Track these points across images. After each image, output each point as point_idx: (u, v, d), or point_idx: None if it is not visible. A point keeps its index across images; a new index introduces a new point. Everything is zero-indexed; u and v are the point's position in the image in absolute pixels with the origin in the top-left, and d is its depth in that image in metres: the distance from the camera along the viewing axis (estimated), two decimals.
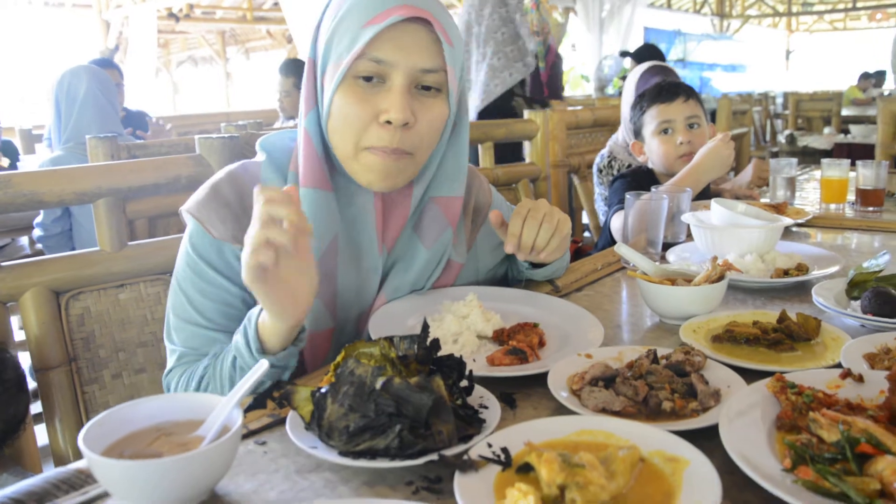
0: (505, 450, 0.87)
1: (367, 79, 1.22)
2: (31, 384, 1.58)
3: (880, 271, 1.47)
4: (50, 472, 0.94)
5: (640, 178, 2.51)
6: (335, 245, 1.32)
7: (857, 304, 1.42)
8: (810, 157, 7.30)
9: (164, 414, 0.94)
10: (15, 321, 1.65)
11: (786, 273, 1.63)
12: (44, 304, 1.62)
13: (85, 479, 0.93)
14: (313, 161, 1.28)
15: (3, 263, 1.60)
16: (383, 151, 1.24)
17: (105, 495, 0.89)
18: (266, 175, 1.33)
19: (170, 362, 1.32)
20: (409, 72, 1.22)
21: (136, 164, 1.80)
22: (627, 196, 1.82)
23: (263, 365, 0.92)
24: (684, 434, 0.89)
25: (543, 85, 6.08)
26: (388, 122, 1.22)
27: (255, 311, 1.17)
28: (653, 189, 1.98)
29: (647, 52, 6.08)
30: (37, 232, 3.39)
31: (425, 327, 1.02)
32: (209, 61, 18.78)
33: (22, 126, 5.55)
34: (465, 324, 1.29)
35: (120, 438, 0.89)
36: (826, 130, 8.73)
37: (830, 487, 0.77)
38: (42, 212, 3.34)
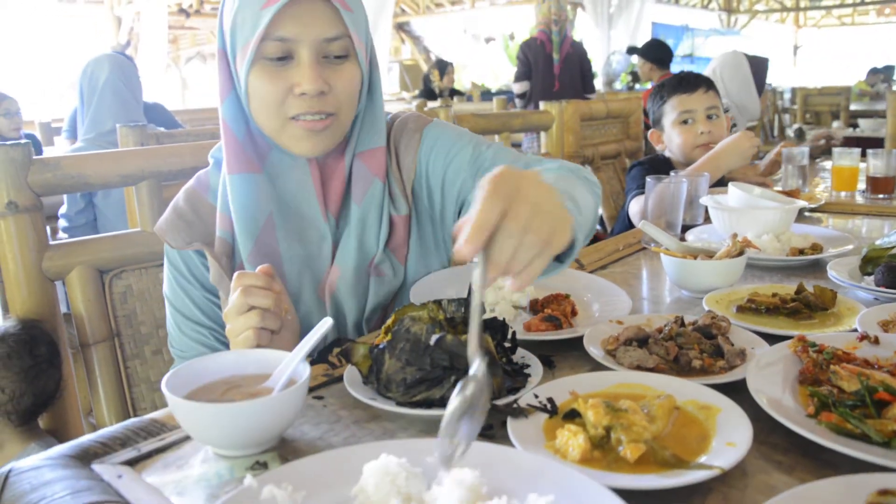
0: (550, 399, 0.95)
1: (277, 59, 1.26)
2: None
3: (893, 247, 1.54)
4: (128, 421, 1.02)
5: (658, 166, 2.59)
6: (271, 221, 1.37)
7: (870, 278, 1.49)
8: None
9: (234, 368, 1.02)
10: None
11: (801, 252, 1.70)
12: (89, 282, 1.69)
13: (160, 427, 1.01)
14: (234, 146, 1.33)
15: (52, 242, 1.67)
16: (309, 122, 1.29)
17: (179, 441, 0.97)
18: (214, 179, 1.41)
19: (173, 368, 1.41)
20: (313, 44, 1.26)
21: (175, 149, 1.88)
22: (648, 180, 1.89)
23: (328, 322, 1.00)
24: (715, 388, 0.96)
25: (555, 78, 6.08)
26: (304, 94, 1.26)
27: None
28: (672, 174, 2.06)
29: (655, 49, 6.11)
30: (62, 223, 3.46)
31: (471, 291, 1.09)
32: None
33: (41, 119, 5.62)
34: (501, 294, 1.36)
35: (195, 388, 0.98)
36: (835, 125, 8.77)
37: (852, 429, 0.85)
38: (66, 203, 3.40)
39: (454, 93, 9.07)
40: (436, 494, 0.71)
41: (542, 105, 3.40)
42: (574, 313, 1.35)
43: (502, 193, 0.83)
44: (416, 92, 10.57)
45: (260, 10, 1.23)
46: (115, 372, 1.74)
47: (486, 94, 9.91)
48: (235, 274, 1.16)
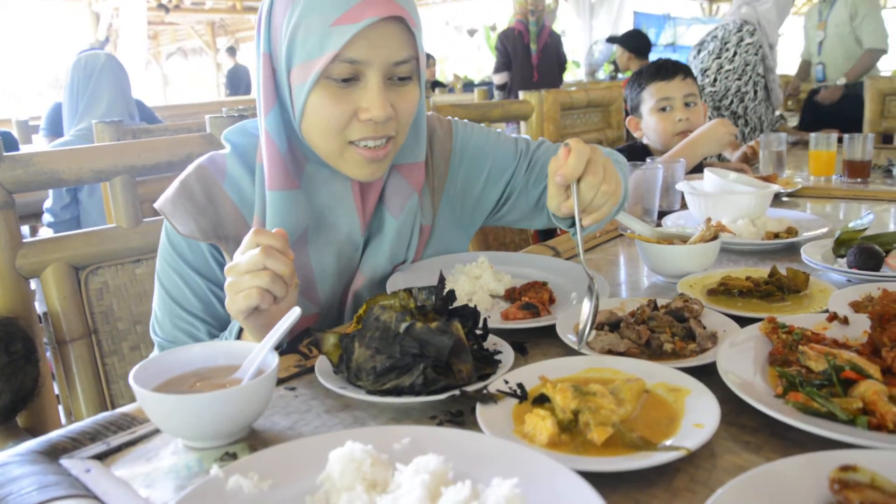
0: (520, 385, 0.95)
1: (343, 80, 1.20)
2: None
3: (865, 230, 1.55)
4: (98, 416, 1.01)
5: (636, 153, 2.59)
6: (304, 237, 1.33)
7: (843, 261, 1.50)
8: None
9: (202, 360, 1.01)
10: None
11: (776, 236, 1.71)
12: (64, 279, 1.68)
13: (130, 420, 1.00)
14: (277, 162, 1.27)
15: (25, 240, 1.66)
16: (372, 149, 1.24)
17: (150, 435, 0.96)
18: (232, 167, 1.33)
19: (152, 355, 1.37)
20: (382, 66, 1.20)
21: (150, 143, 1.86)
22: None
23: (296, 311, 0.99)
24: (685, 371, 0.97)
25: (534, 69, 6.07)
26: (370, 119, 1.21)
27: (234, 330, 1.25)
28: (648, 160, 2.06)
29: (633, 38, 6.10)
30: (46, 217, 3.43)
31: (442, 279, 1.09)
32: (199, 53, 18.76)
33: (18, 118, 5.57)
34: (478, 284, 1.36)
35: (163, 382, 0.97)
36: None
37: (818, 408, 0.85)
38: (51, 197, 3.38)
39: (436, 84, 9.05)
40: (399, 480, 0.71)
41: (521, 95, 3.40)
42: (552, 301, 1.35)
43: (583, 154, 1.15)
44: None
45: (330, 26, 1.16)
46: (93, 369, 1.72)
47: (469, 86, 9.90)
48: (253, 230, 1.08)
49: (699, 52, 4.05)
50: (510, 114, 3.29)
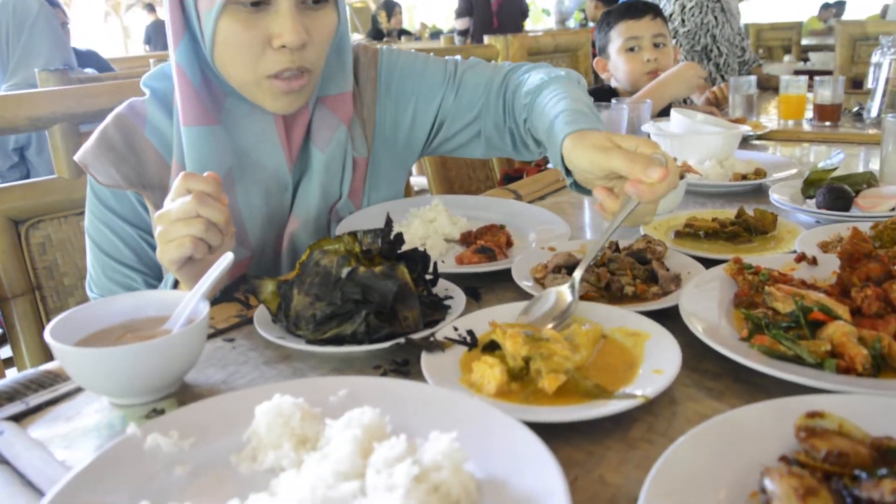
0: (470, 332, 0.88)
1: (252, 4, 1.12)
2: None
3: (834, 170, 1.50)
4: (18, 374, 0.94)
5: (603, 96, 2.51)
6: (230, 177, 1.25)
7: (812, 201, 1.45)
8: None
9: (130, 312, 0.94)
10: None
11: (744, 177, 1.65)
12: (3, 233, 1.58)
13: (53, 378, 0.93)
14: (191, 97, 1.19)
15: None
16: (287, 79, 1.17)
17: (73, 393, 0.89)
18: (152, 113, 1.26)
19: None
20: None
21: (90, 89, 1.75)
22: None
23: (228, 257, 0.92)
24: (646, 315, 0.91)
25: (493, 15, 5.95)
26: (283, 47, 1.14)
27: (169, 280, 1.17)
28: (613, 101, 1.99)
29: None
30: None
31: (388, 221, 1.02)
32: (160, 4, 18.21)
33: None
34: (432, 227, 1.29)
35: (87, 335, 0.89)
36: (786, 59, 8.76)
37: (785, 351, 0.80)
38: None
39: (402, 33, 8.88)
40: (330, 436, 0.65)
41: (486, 39, 3.29)
42: (510, 244, 1.29)
43: (675, 182, 0.96)
44: (365, 34, 10.35)
45: None
46: (38, 327, 1.64)
47: (436, 35, 9.71)
48: (182, 174, 1.01)
49: None
50: None
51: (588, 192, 1.09)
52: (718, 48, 3.73)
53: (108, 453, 0.66)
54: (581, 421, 0.71)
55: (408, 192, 2.44)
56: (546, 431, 0.69)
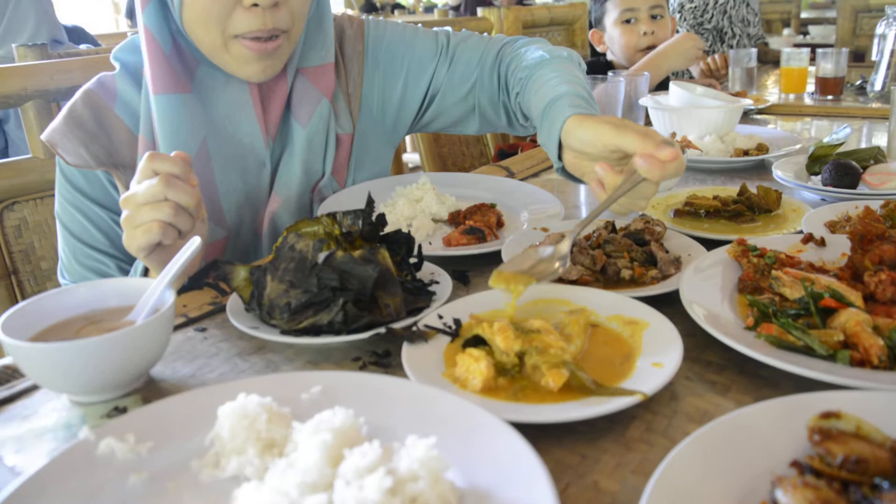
0: (457, 321, 0.82)
1: None
2: None
3: (841, 144, 1.44)
4: None
5: (599, 70, 2.44)
6: (204, 149, 1.18)
7: (817, 178, 1.39)
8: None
9: (92, 302, 0.87)
10: None
11: (745, 153, 1.59)
12: None
13: (11, 373, 0.87)
14: (159, 62, 1.13)
15: None
16: (257, 40, 1.10)
17: (31, 390, 0.83)
18: (122, 88, 1.20)
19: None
20: None
21: (63, 64, 1.67)
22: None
23: (196, 241, 0.85)
24: (644, 300, 0.85)
25: None
26: (255, 5, 1.07)
27: (139, 268, 1.12)
28: (609, 74, 1.92)
29: None
30: None
31: (370, 202, 0.96)
32: None
33: None
34: (418, 207, 1.23)
35: (45, 328, 0.83)
36: (785, 32, 8.66)
37: (794, 341, 0.74)
38: None
39: (396, 7, 8.75)
40: (298, 440, 0.59)
41: (480, 11, 3.21)
42: (500, 224, 1.22)
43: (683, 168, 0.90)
44: (359, 8, 10.22)
45: None
46: None
47: (430, 8, 9.58)
48: (147, 154, 0.94)
49: None
50: None
51: (575, 180, 1.04)
52: (733, 30, 3.60)
53: (56, 461, 0.61)
54: (574, 421, 0.66)
55: (400, 169, 2.37)
56: (536, 431, 0.64)
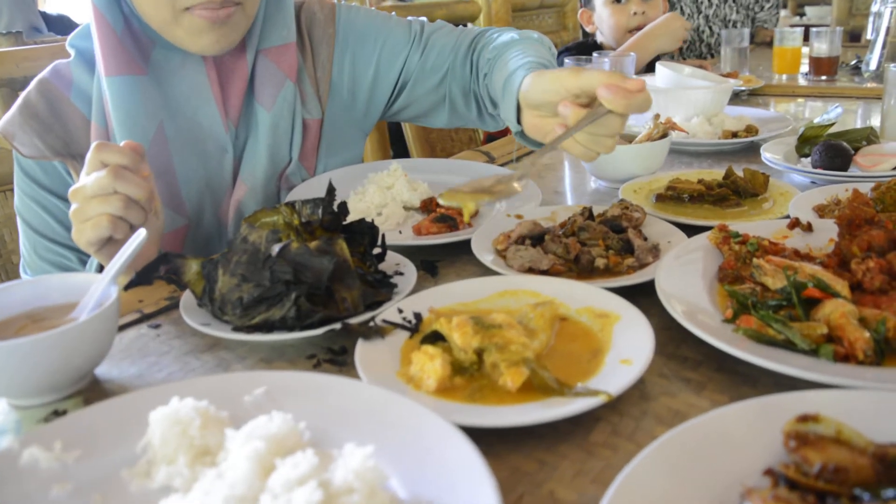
0: (417, 315, 0.78)
1: None
2: None
3: (832, 125, 1.39)
4: None
5: (587, 51, 2.38)
6: (161, 134, 1.14)
7: (807, 160, 1.34)
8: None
9: (35, 299, 0.83)
10: None
11: (734, 135, 1.54)
12: None
13: None
14: (111, 42, 1.08)
15: None
16: (209, 9, 1.05)
17: None
18: (78, 76, 1.15)
19: None
20: None
21: (29, 52, 1.61)
22: (566, 61, 1.69)
23: (141, 234, 0.80)
24: (619, 291, 0.80)
25: None
26: None
27: (94, 262, 1.08)
28: (595, 55, 1.86)
29: None
30: None
31: (330, 189, 0.91)
32: None
33: None
34: (389, 195, 1.18)
35: None
36: (782, 13, 8.58)
37: (774, 335, 0.69)
38: None
39: None
40: (230, 449, 0.54)
41: None
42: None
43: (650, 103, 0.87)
44: None
45: None
46: None
47: None
48: (94, 144, 0.90)
49: None
50: (455, 15, 3.04)
51: (536, 144, 1.00)
52: (737, 8, 3.49)
53: None
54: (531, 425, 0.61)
55: (385, 155, 2.32)
56: (493, 435, 0.59)
